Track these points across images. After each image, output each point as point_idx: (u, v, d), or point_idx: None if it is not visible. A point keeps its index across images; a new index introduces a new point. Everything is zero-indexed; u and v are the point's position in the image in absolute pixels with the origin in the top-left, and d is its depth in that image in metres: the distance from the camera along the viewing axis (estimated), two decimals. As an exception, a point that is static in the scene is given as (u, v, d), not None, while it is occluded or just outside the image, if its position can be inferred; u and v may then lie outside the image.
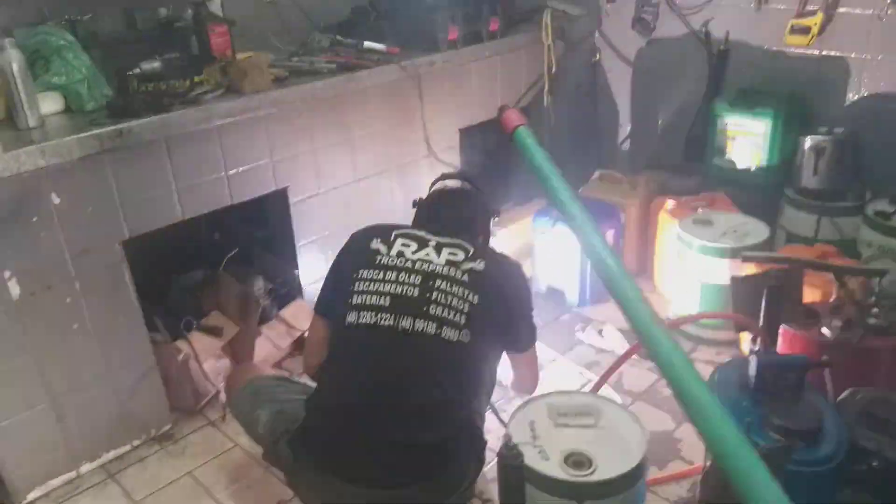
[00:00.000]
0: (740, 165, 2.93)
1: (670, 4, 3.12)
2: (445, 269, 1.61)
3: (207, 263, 2.55)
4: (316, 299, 1.78)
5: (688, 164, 3.22)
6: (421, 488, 1.55)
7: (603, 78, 3.49)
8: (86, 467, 2.11)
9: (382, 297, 1.59)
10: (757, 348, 1.58)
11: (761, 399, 1.51)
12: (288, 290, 2.56)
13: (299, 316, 2.48)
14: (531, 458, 1.51)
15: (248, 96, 2.19)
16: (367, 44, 2.63)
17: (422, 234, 1.70)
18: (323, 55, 2.54)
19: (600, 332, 2.65)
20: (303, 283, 2.57)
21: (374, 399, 1.56)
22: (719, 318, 2.40)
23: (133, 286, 2.10)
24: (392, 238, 1.68)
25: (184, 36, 2.36)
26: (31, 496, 2.01)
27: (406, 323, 1.56)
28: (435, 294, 1.57)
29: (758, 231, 2.57)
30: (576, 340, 2.65)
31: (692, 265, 2.56)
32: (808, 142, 2.71)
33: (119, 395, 2.12)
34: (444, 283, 1.59)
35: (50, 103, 2.05)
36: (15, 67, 1.88)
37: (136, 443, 2.20)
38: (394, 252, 1.65)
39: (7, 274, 1.84)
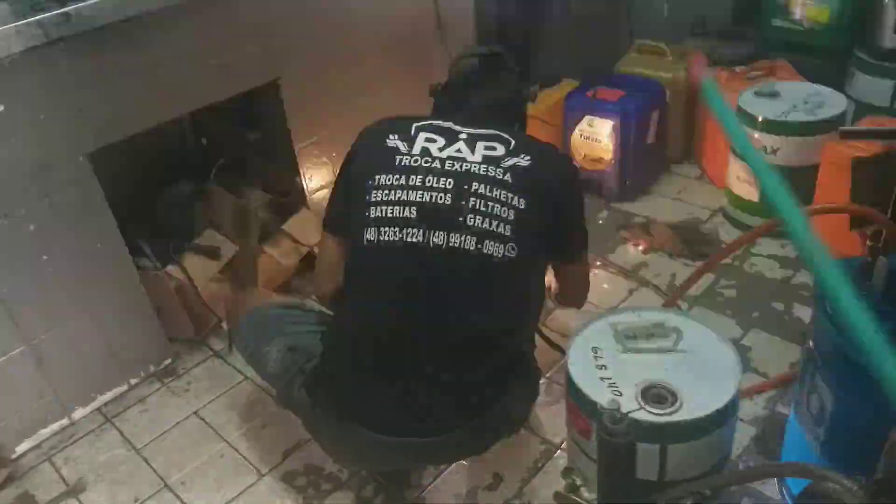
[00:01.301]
0: (803, 25, 2.50)
1: None
2: (483, 167, 1.28)
3: (195, 175, 2.22)
4: (324, 213, 1.46)
5: (739, 28, 2.79)
6: (467, 432, 1.30)
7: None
8: (79, 412, 1.87)
9: (407, 208, 1.26)
10: (879, 246, 1.26)
11: (889, 313, 1.21)
12: (290, 200, 2.23)
13: (306, 229, 2.17)
14: (600, 394, 1.24)
15: (224, -36, 1.80)
16: None
17: (448, 125, 1.34)
18: None
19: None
20: (307, 190, 2.24)
21: (404, 331, 1.27)
22: (836, 211, 2.00)
23: (108, 206, 1.79)
24: (413, 133, 1.33)
25: None
26: (20, 448, 1.79)
27: (438, 238, 1.24)
28: (472, 200, 1.25)
29: (833, 102, 2.19)
30: (618, 241, 2.33)
31: (756, 145, 2.20)
32: (889, -11, 2.28)
33: (106, 332, 1.85)
34: (483, 185, 1.26)
35: (-19, -11, 1.66)
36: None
37: (133, 381, 1.95)
38: (416, 150, 1.31)
39: (-49, 202, 1.54)
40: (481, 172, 1.27)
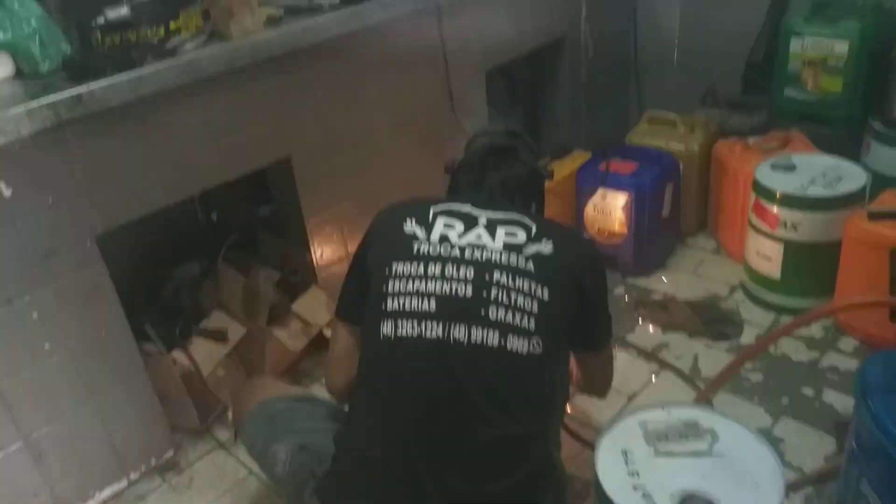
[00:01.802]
0: (817, 95, 2.48)
1: None
2: (504, 255, 1.22)
3: (205, 252, 2.17)
4: (337, 300, 1.39)
5: (749, 98, 2.78)
6: None
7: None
8: (77, 510, 1.78)
9: (426, 300, 1.20)
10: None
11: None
12: (300, 279, 2.18)
13: (315, 309, 2.12)
14: (633, 505, 1.16)
15: (236, 42, 1.79)
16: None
17: (467, 209, 1.30)
18: (322, -13, 2.10)
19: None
20: (317, 267, 2.19)
21: (423, 437, 1.19)
22: (883, 304, 1.94)
23: (114, 290, 1.74)
24: (431, 218, 1.28)
25: (154, -29, 1.93)
26: (14, 549, 1.70)
27: (459, 333, 1.18)
28: (494, 291, 1.19)
29: (853, 175, 2.16)
30: (635, 318, 2.26)
31: (773, 220, 2.15)
32: (904, 61, 2.28)
33: (107, 422, 1.77)
34: (505, 275, 1.20)
35: (-4, 67, 1.66)
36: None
37: (133, 476, 1.86)
38: (435, 237, 1.25)
39: (-46, 289, 1.49)
40: (503, 262, 1.22)
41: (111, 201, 1.68)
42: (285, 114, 1.96)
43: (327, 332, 2.10)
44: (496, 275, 1.21)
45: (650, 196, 2.36)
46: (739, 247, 2.37)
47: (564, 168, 2.56)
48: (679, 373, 2.01)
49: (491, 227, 1.27)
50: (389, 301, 1.22)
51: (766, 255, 2.20)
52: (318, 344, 2.13)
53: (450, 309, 1.19)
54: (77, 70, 1.63)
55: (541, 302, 1.20)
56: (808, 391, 1.90)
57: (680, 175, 2.49)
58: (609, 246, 2.45)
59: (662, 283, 2.44)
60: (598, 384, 1.51)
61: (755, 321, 2.19)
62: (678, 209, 2.54)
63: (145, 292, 2.01)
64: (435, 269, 1.22)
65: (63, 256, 1.63)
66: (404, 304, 1.20)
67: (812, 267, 2.14)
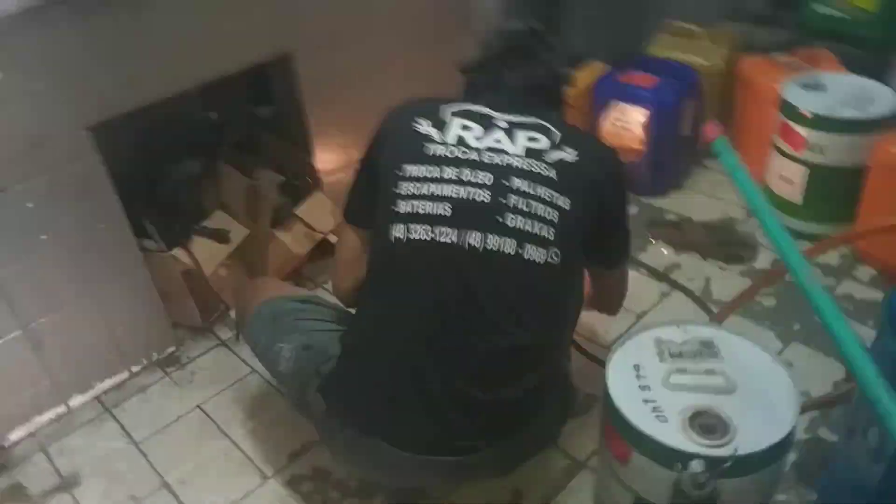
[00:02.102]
0: (848, 12, 2.34)
1: None
2: (525, 161, 1.17)
3: (204, 152, 2.09)
4: (344, 203, 1.34)
5: (776, 13, 2.64)
6: (497, 452, 1.20)
7: None
8: (77, 400, 1.78)
9: (441, 204, 1.15)
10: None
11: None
12: (304, 183, 2.11)
13: (319, 214, 2.06)
14: (643, 419, 1.13)
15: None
16: None
17: (486, 111, 1.22)
18: None
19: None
20: (321, 172, 2.11)
21: (434, 342, 1.16)
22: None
23: (112, 183, 1.67)
24: (447, 118, 1.21)
25: None
26: (13, 436, 1.70)
27: (475, 239, 1.13)
28: (514, 198, 1.14)
29: (885, 98, 2.05)
30: (648, 239, 2.21)
31: (799, 142, 2.06)
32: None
33: (108, 315, 1.75)
34: (525, 181, 1.15)
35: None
36: None
37: (135, 369, 1.85)
38: (451, 139, 1.19)
39: (-56, 176, 1.43)
40: (524, 167, 1.16)
41: (105, 90, 1.60)
42: (286, 4, 1.84)
43: (332, 239, 2.06)
44: (516, 181, 1.15)
45: (671, 112, 2.26)
46: (761, 168, 2.28)
47: (581, 80, 2.44)
48: (690, 293, 1.97)
49: (511, 131, 1.20)
50: (402, 204, 1.16)
51: (789, 179, 2.13)
52: (323, 250, 2.09)
53: (465, 215, 1.14)
54: (68, -57, 1.51)
55: (561, 211, 1.15)
56: (820, 318, 1.87)
57: (701, 91, 2.38)
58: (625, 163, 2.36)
59: (678, 203, 2.37)
60: (611, 301, 1.48)
61: (771, 246, 2.13)
62: (698, 127, 2.44)
63: (143, 189, 1.94)
64: (451, 172, 1.16)
65: (55, 146, 1.56)
66: (417, 208, 1.15)
67: (835, 192, 2.07)
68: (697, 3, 2.81)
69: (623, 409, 1.16)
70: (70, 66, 1.53)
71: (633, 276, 2.02)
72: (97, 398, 1.80)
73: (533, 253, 1.14)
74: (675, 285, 2.01)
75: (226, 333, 1.96)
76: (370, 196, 1.23)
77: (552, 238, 1.14)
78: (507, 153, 1.17)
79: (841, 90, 2.09)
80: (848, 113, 1.99)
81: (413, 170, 1.17)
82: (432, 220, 1.15)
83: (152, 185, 2.00)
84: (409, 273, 1.18)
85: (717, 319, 1.67)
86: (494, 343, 1.15)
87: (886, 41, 2.34)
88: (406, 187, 1.17)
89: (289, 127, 2.13)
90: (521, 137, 1.20)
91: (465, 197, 1.14)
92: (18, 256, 1.57)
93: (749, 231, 2.19)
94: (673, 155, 2.37)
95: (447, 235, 1.14)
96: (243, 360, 1.87)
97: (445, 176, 1.16)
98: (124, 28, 1.58)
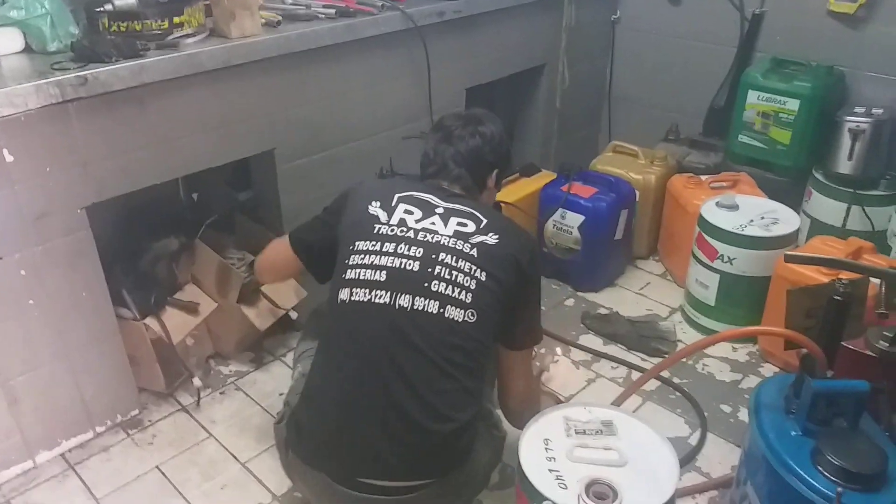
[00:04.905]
0: (767, 144, 2.70)
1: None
2: (452, 241, 1.41)
3: (183, 230, 2.30)
4: (295, 229, 1.68)
5: (708, 140, 3.01)
6: (431, 493, 1.37)
7: (622, 38, 3.22)
8: (43, 456, 1.90)
9: (378, 272, 1.39)
10: (807, 369, 1.39)
11: (812, 430, 1.33)
12: (273, 263, 2.32)
13: (283, 291, 2.26)
14: (547, 486, 1.32)
15: (235, 42, 1.92)
16: (370, -15, 2.34)
17: (427, 197, 1.49)
18: (319, -2, 2.25)
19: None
20: (289, 254, 2.33)
21: (371, 389, 1.37)
22: (770, 334, 2.16)
23: (98, 257, 1.86)
24: (394, 203, 1.47)
25: (163, -33, 2.06)
26: (-20, 487, 1.81)
27: (404, 300, 1.37)
28: (438, 269, 1.38)
29: (788, 220, 2.36)
30: (581, 329, 2.45)
31: (712, 253, 2.35)
32: (846, 122, 2.48)
33: (79, 377, 1.90)
34: (450, 256, 1.39)
35: (6, 41, 1.78)
36: (-36, -2, 1.60)
37: (99, 429, 1.98)
38: (395, 220, 1.45)
39: (-49, 241, 1.60)
40: (450, 245, 1.40)
41: (104, 176, 1.79)
42: (274, 109, 2.10)
43: (293, 314, 2.25)
44: (442, 255, 1.39)
45: (604, 220, 2.55)
46: (683, 273, 2.57)
47: (531, 185, 2.74)
48: (613, 381, 2.19)
49: (446, 216, 1.45)
50: (348, 272, 1.41)
51: (704, 283, 2.40)
52: (283, 324, 2.28)
53: (397, 280, 1.38)
54: (84, 53, 1.73)
55: (478, 282, 1.39)
56: (727, 408, 2.10)
57: (636, 203, 2.69)
58: (564, 261, 2.63)
59: (609, 298, 2.63)
60: (513, 392, 1.58)
61: (688, 341, 2.39)
62: (631, 234, 2.73)
63: (124, 261, 2.12)
64: (389, 247, 1.41)
65: (54, 221, 1.74)
66: (359, 275, 1.40)
67: (743, 297, 2.34)
68: (641, 127, 3.19)
69: (531, 476, 1.35)
70: (75, 154, 1.73)
71: (564, 363, 2.26)
72: (62, 455, 1.92)
73: (453, 312, 1.36)
74: (598, 373, 2.23)
75: (187, 399, 2.11)
76: (315, 241, 1.59)
77: (469, 301, 1.37)
78: (438, 233, 1.42)
79: (752, 211, 2.40)
80: (753, 231, 2.29)
81: (361, 245, 1.43)
82: (370, 284, 1.38)
83: (133, 258, 2.18)
84: (349, 329, 1.41)
85: (618, 401, 1.88)
86: (425, 388, 1.35)
87: (797, 169, 2.69)
88: (353, 259, 1.42)
89: (264, 210, 2.36)
90: (453, 222, 1.44)
91: (398, 266, 1.39)
92: (5, 318, 1.73)
93: (670, 327, 2.45)
94: (607, 256, 2.64)
95: (381, 297, 1.37)
96: (202, 426, 2.02)
97: (385, 250, 1.41)
98: (125, 125, 1.79)
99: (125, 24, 1.85)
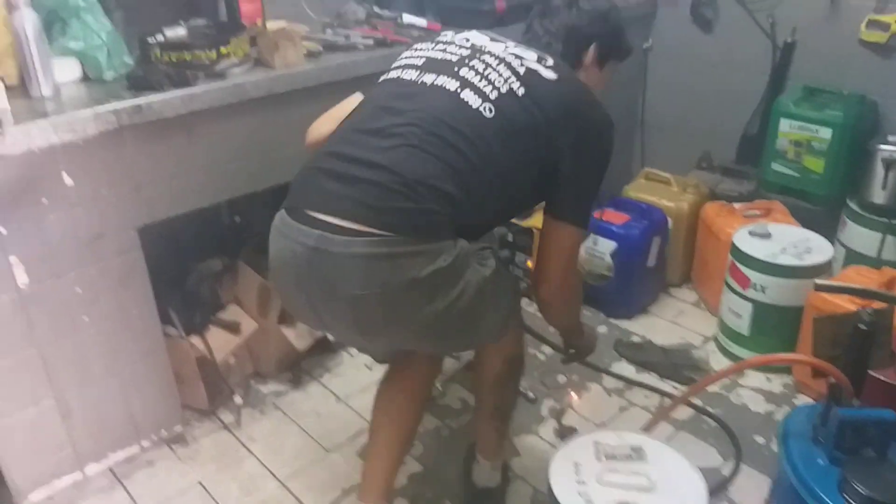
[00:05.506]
0: (800, 172, 2.70)
1: (734, -11, 2.88)
2: (503, 53, 1.42)
3: (226, 251, 2.39)
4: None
5: (741, 168, 3.01)
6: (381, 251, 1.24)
7: (654, 66, 3.26)
8: (92, 468, 1.98)
9: (418, 59, 1.47)
10: (834, 398, 1.40)
11: (839, 459, 1.34)
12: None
13: (322, 314, 2.32)
14: (577, 509, 1.36)
15: (279, 72, 2.02)
16: (406, 17, 2.43)
17: (496, 35, 1.51)
18: (358, 28, 2.34)
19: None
20: (327, 277, 2.40)
21: (363, 144, 1.33)
22: (795, 362, 2.18)
23: (148, 277, 1.95)
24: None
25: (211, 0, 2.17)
26: (33, 497, 1.89)
27: (428, 78, 1.40)
28: (475, 62, 1.41)
29: (821, 249, 2.36)
30: (614, 356, 2.47)
31: (745, 281, 2.36)
32: (879, 152, 2.48)
33: (129, 393, 1.99)
34: (494, 59, 1.41)
35: (66, 70, 1.89)
36: (29, 29, 1.71)
37: (145, 444, 2.07)
38: (450, 38, 1.52)
39: (13, 260, 1.69)
40: (498, 53, 1.41)
41: (155, 198, 1.89)
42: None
43: (331, 336, 2.31)
44: (486, 57, 1.40)
45: (636, 247, 2.58)
46: (717, 302, 2.57)
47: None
48: (645, 409, 2.20)
49: (507, 47, 1.44)
50: (391, 72, 1.50)
51: (737, 312, 2.40)
52: (321, 345, 2.34)
53: (431, 65, 1.42)
54: (138, 82, 1.84)
55: (512, 91, 1.34)
56: (760, 439, 2.09)
57: (668, 230, 2.71)
58: (596, 287, 2.66)
59: (642, 326, 2.64)
60: (545, 273, 1.46)
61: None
62: (664, 261, 2.75)
63: (171, 281, 2.22)
64: (440, 47, 1.48)
65: (108, 241, 1.84)
66: (402, 63, 1.49)
67: (776, 327, 2.34)
68: (674, 154, 3.20)
69: (561, 498, 1.38)
70: (129, 178, 1.83)
71: (596, 389, 2.28)
72: (110, 468, 2.00)
73: (469, 96, 1.33)
74: (632, 401, 2.24)
75: (228, 417, 2.18)
76: None
77: (493, 98, 1.33)
78: (492, 45, 1.44)
79: (784, 239, 2.40)
80: (786, 260, 2.30)
81: (417, 46, 1.52)
82: (405, 67, 1.45)
83: (179, 278, 2.28)
84: (374, 94, 1.48)
85: (648, 426, 1.89)
86: (428, 142, 1.28)
87: (831, 198, 2.68)
88: (401, 60, 1.51)
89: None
90: (513, 48, 1.43)
91: (438, 57, 1.44)
92: (63, 334, 1.82)
93: (703, 356, 2.45)
94: (639, 283, 2.66)
95: (410, 75, 1.42)
96: (242, 443, 2.08)
97: (435, 48, 1.47)
98: (175, 150, 1.89)
99: (176, 55, 1.95)
